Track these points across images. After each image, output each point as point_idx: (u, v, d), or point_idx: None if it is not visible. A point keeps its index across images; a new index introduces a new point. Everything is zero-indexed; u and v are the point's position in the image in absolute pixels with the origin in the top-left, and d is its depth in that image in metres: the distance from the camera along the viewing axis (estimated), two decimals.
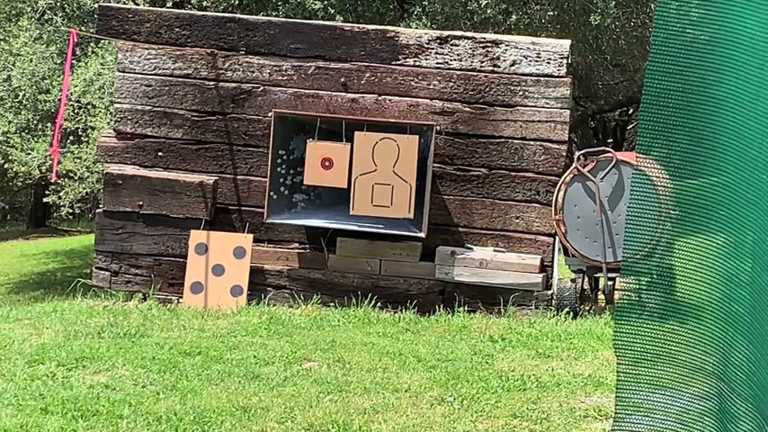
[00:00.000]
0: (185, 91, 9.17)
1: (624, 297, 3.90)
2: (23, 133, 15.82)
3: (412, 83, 8.93)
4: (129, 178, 9.12)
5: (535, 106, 8.80)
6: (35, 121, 15.92)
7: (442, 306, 8.62)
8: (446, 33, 9.13)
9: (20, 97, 15.78)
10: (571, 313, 8.36)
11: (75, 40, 9.34)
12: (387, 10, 15.64)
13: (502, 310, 8.56)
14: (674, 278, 3.81)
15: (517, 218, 8.86)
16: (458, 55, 8.89)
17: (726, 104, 3.56)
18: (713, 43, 3.60)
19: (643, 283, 3.87)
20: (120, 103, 9.29)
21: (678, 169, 3.67)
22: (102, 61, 13.87)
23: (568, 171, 8.50)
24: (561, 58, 8.80)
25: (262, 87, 9.09)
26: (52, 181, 9.01)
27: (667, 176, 3.72)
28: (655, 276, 3.87)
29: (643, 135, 3.67)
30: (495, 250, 8.79)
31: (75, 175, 14.56)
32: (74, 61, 14.20)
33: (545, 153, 8.81)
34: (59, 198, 15.09)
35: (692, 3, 3.61)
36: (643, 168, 3.73)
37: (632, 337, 3.74)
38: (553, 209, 8.53)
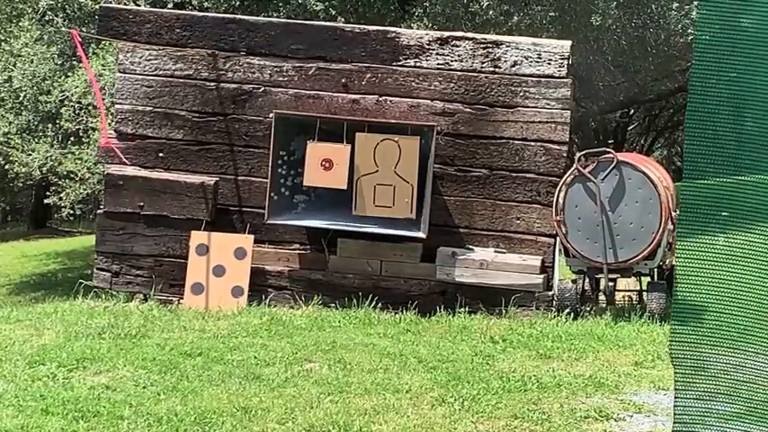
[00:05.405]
0: (186, 92, 9.17)
1: (679, 301, 3.82)
2: (24, 134, 15.85)
3: (413, 84, 8.93)
4: (130, 179, 9.12)
5: (536, 107, 8.79)
6: (36, 122, 15.95)
7: (442, 307, 8.61)
8: (447, 34, 9.12)
9: (20, 98, 15.80)
10: (572, 314, 8.35)
11: (78, 40, 9.35)
12: (388, 11, 15.63)
13: (503, 310, 8.56)
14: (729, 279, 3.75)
15: (518, 219, 8.85)
16: (458, 56, 8.89)
17: None
18: (758, 45, 3.58)
19: (697, 285, 3.77)
20: (120, 103, 9.28)
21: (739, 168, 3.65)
22: (102, 62, 13.88)
23: (569, 172, 8.50)
24: (562, 58, 8.79)
25: (262, 88, 9.09)
26: (102, 144, 9.31)
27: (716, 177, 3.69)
28: (708, 279, 3.78)
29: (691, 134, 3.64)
30: (495, 251, 8.78)
31: (76, 176, 14.57)
32: (75, 62, 14.21)
33: (546, 154, 8.81)
34: (60, 199, 15.11)
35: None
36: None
37: (689, 345, 3.68)
38: (554, 210, 8.52)
